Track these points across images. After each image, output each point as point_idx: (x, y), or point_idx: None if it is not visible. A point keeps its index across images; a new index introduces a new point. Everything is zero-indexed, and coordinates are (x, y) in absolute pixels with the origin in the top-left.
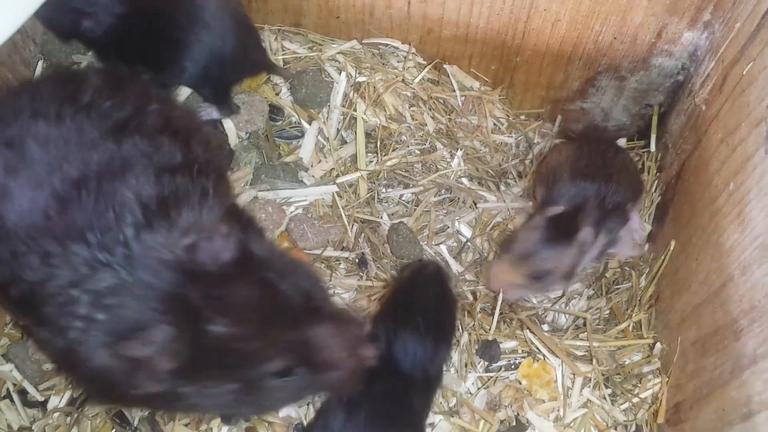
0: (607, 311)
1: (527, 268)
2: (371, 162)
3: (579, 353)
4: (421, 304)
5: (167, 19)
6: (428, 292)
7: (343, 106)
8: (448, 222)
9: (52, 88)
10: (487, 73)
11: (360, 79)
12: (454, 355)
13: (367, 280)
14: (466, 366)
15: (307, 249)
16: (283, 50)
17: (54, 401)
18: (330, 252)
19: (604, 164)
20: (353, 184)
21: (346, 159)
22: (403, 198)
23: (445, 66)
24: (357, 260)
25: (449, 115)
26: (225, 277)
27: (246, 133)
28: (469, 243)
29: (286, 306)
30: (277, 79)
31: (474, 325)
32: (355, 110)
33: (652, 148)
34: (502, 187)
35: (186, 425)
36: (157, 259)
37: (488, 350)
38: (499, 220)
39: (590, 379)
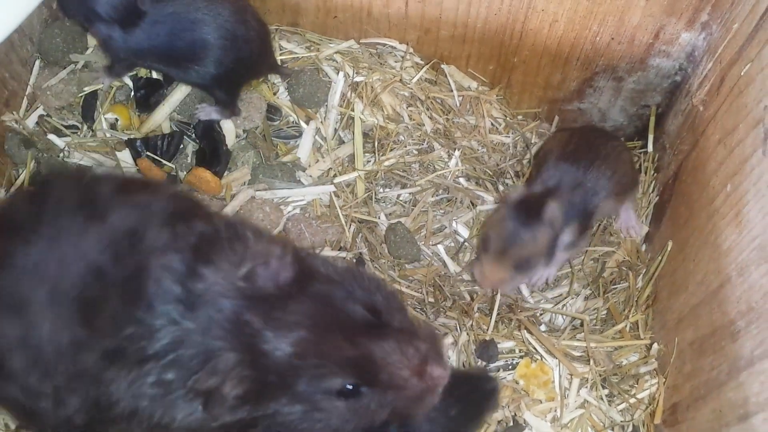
0: (605, 311)
1: (509, 260)
2: (369, 162)
3: (576, 354)
4: (465, 402)
5: (192, 21)
6: (475, 398)
7: (341, 106)
8: (446, 222)
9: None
10: (485, 73)
11: (358, 78)
12: (452, 355)
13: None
14: (463, 366)
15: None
16: (281, 50)
17: None
18: (327, 252)
19: (589, 150)
20: (351, 184)
21: (344, 159)
22: (401, 198)
23: (442, 66)
24: (354, 260)
25: (447, 115)
26: (284, 297)
27: (244, 131)
28: (466, 243)
29: (348, 321)
30: (274, 79)
31: (472, 325)
32: (352, 110)
33: (650, 148)
34: (500, 187)
35: None
36: (217, 293)
37: (486, 350)
38: None
39: (587, 380)
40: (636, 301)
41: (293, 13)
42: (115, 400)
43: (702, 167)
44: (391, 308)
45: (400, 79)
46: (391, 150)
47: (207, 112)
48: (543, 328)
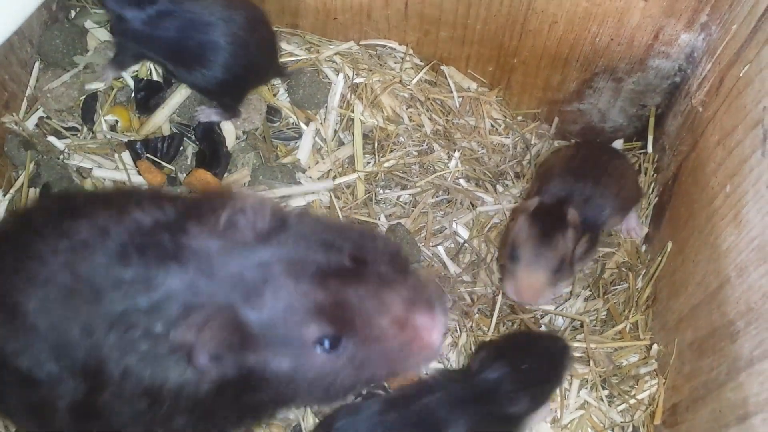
0: (604, 312)
1: (545, 268)
2: (369, 163)
3: (576, 354)
4: (537, 362)
5: (206, 24)
6: (549, 359)
7: (341, 108)
8: (446, 223)
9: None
10: (485, 74)
11: (357, 80)
12: (452, 356)
13: None
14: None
15: None
16: (281, 51)
17: None
18: None
19: (595, 167)
20: (351, 185)
21: (344, 160)
22: (401, 199)
23: (442, 67)
24: None
25: (447, 116)
26: (260, 245)
27: (244, 133)
28: (466, 244)
29: (323, 268)
30: (274, 80)
31: (472, 326)
32: (352, 111)
33: (649, 149)
34: (500, 188)
35: None
36: (201, 244)
37: None
38: (496, 221)
39: (587, 381)
40: (636, 301)
41: (293, 15)
42: (104, 359)
43: (701, 168)
44: (383, 259)
45: (400, 81)
46: (390, 151)
47: (207, 114)
48: (543, 329)
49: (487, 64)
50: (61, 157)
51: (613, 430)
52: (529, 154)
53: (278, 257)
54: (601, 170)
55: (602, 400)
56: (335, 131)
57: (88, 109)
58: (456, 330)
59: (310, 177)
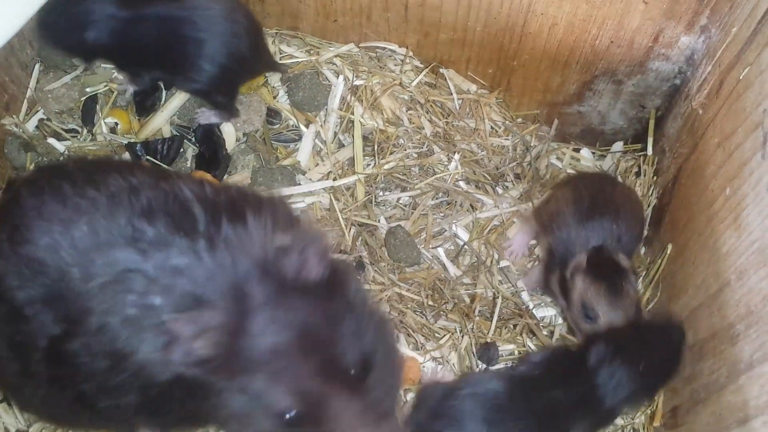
0: None
1: (627, 315)
2: (369, 165)
3: None
4: (656, 354)
5: (180, 20)
6: (667, 351)
7: (341, 110)
8: (446, 225)
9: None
10: (485, 76)
11: (357, 82)
12: (453, 357)
13: (364, 283)
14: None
15: None
16: (281, 53)
17: None
18: None
19: (607, 200)
20: (351, 187)
21: (344, 162)
22: (401, 201)
23: (441, 70)
24: (354, 264)
25: (446, 118)
26: (298, 293)
27: (244, 135)
28: (466, 246)
29: (334, 358)
30: (274, 82)
31: (473, 327)
32: (352, 113)
33: (649, 151)
34: (499, 190)
35: None
36: (242, 248)
37: (486, 352)
38: (496, 224)
39: None
40: None
41: (293, 17)
42: (89, 309)
43: (701, 171)
44: (383, 376)
45: (400, 83)
46: (390, 153)
47: (207, 116)
48: (544, 333)
49: (487, 67)
50: (62, 158)
51: None
52: (528, 156)
53: (302, 315)
54: (614, 203)
55: None
56: (335, 133)
57: (88, 111)
58: (456, 332)
59: (310, 179)
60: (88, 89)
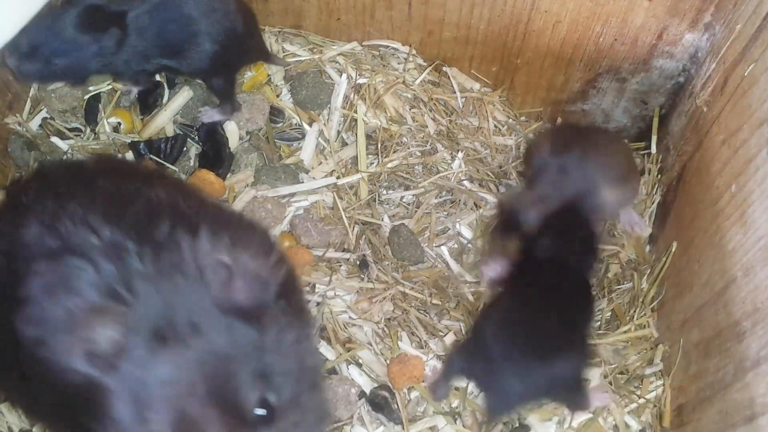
0: (609, 312)
1: None
2: (372, 164)
3: None
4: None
5: (176, 3)
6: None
7: (344, 108)
8: (449, 224)
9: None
10: (488, 74)
11: (360, 80)
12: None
13: (368, 282)
14: None
15: (311, 246)
16: (284, 52)
17: None
18: (331, 253)
19: (582, 143)
20: (354, 185)
21: (347, 161)
22: (404, 200)
23: (445, 68)
24: (358, 262)
25: (450, 116)
26: (216, 313)
27: (247, 133)
28: (470, 245)
29: (233, 392)
30: (277, 81)
31: None
32: (355, 112)
33: (653, 149)
34: (502, 189)
35: None
36: (182, 260)
37: None
38: None
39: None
40: (641, 302)
41: (296, 16)
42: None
43: (706, 168)
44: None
45: (403, 81)
46: (394, 152)
47: (210, 114)
48: None
49: (490, 65)
50: (65, 157)
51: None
52: None
53: (212, 341)
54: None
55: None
56: (338, 132)
57: (91, 110)
58: (461, 331)
59: (313, 178)
60: (91, 88)
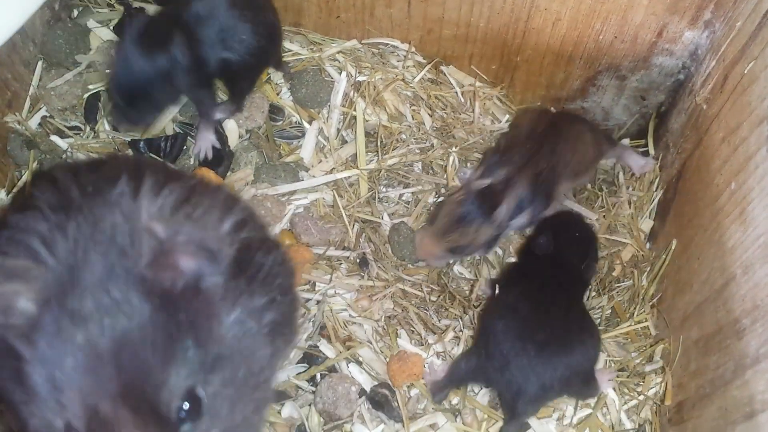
0: (609, 310)
1: (445, 243)
2: (371, 161)
3: None
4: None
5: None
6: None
7: (344, 106)
8: None
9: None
10: (488, 72)
11: (360, 78)
12: (456, 352)
13: (368, 279)
14: None
15: (311, 244)
16: (284, 50)
17: None
18: (331, 252)
19: (545, 132)
20: (354, 184)
21: (347, 159)
22: (403, 198)
23: (442, 67)
24: (358, 260)
25: (449, 114)
26: (145, 289)
27: (246, 131)
28: None
29: (152, 383)
30: (277, 79)
31: (473, 316)
32: (355, 110)
33: (653, 147)
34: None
35: None
36: (121, 223)
37: None
38: None
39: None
40: (641, 299)
41: (296, 14)
42: None
43: (706, 165)
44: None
45: (403, 79)
46: (393, 149)
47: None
48: None
49: (490, 62)
50: (64, 156)
51: (619, 426)
52: None
53: (135, 319)
54: (551, 136)
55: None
56: (338, 129)
57: (91, 109)
58: (460, 326)
59: (313, 176)
60: (90, 86)
